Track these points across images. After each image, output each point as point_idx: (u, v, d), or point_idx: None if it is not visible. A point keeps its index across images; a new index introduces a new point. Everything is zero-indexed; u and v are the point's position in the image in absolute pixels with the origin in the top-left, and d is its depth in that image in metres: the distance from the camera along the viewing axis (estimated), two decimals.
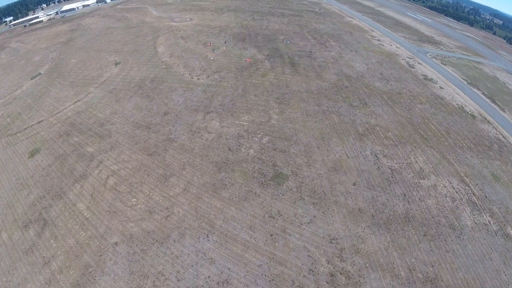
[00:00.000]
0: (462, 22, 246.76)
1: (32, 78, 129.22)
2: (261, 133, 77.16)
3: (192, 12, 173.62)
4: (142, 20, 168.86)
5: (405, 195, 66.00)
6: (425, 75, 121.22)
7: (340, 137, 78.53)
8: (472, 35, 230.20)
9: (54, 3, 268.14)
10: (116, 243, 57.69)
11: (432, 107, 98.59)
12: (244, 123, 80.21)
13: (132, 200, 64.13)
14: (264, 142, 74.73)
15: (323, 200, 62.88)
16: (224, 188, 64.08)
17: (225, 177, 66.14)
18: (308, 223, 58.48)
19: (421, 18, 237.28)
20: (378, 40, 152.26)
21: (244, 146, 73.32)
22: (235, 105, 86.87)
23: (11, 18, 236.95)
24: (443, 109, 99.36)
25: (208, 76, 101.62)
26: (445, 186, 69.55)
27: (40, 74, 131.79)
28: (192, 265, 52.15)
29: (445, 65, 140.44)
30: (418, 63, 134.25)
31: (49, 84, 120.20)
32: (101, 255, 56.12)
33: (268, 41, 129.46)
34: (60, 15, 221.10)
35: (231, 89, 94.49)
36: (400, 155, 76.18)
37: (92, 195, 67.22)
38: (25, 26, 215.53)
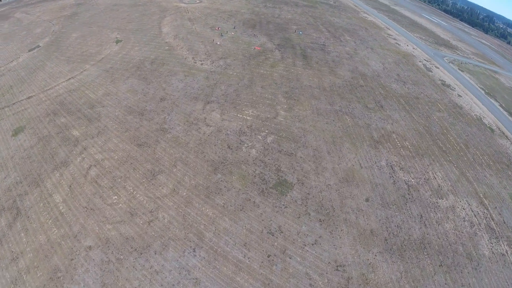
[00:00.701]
0: (476, 28, 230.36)
1: (30, 50, 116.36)
2: (266, 131, 65.12)
3: None
4: None
5: (421, 216, 55.02)
6: (443, 80, 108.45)
7: (354, 143, 66.60)
8: (487, 43, 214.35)
9: None
10: (89, 247, 46.78)
11: (450, 116, 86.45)
12: (248, 118, 68.05)
13: (113, 198, 52.92)
14: (268, 141, 62.79)
15: (331, 217, 51.62)
16: (218, 193, 52.62)
17: (221, 180, 54.58)
18: (312, 244, 47.34)
19: (437, 21, 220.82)
20: (394, 39, 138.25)
21: (245, 145, 61.44)
22: (239, 97, 74.49)
23: None
24: (461, 119, 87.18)
25: (213, 62, 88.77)
26: (463, 208, 58.50)
27: (38, 46, 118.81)
28: (173, 285, 41.34)
29: (462, 71, 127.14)
30: (436, 67, 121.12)
31: (46, 57, 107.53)
32: (72, 259, 45.34)
33: (279, 30, 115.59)
34: None
35: (236, 78, 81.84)
36: (417, 169, 64.66)
37: (70, 186, 56.07)
38: None
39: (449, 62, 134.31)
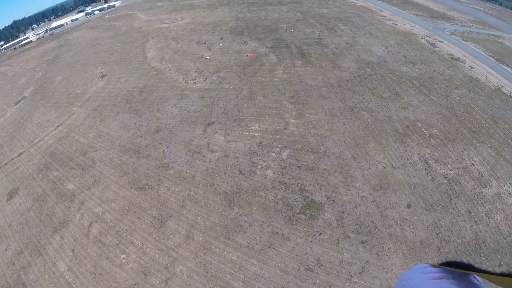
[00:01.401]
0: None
1: (16, 103, 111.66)
2: (279, 146, 57.27)
3: (182, 12, 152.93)
4: (130, 26, 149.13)
5: (470, 212, 46.52)
6: (450, 54, 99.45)
7: (379, 141, 58.22)
8: (480, 8, 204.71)
9: (44, 21, 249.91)
10: None
11: (469, 91, 77.38)
12: (256, 134, 60.34)
13: (121, 257, 45.52)
14: (284, 157, 54.89)
15: (374, 235, 43.27)
16: (239, 230, 44.74)
17: (239, 214, 46.71)
18: (359, 273, 39.03)
19: None
20: (390, 19, 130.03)
21: (259, 166, 53.63)
22: (242, 111, 66.93)
23: (2, 42, 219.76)
24: (481, 93, 78.08)
25: (206, 79, 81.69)
26: (509, 193, 49.82)
27: (24, 97, 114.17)
28: None
29: (466, 41, 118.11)
30: (439, 41, 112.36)
31: (33, 108, 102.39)
32: None
33: (269, 31, 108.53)
34: (49, 32, 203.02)
35: (234, 91, 74.47)
36: (453, 158, 55.89)
37: (73, 250, 49.08)
38: (15, 48, 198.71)
39: (451, 34, 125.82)
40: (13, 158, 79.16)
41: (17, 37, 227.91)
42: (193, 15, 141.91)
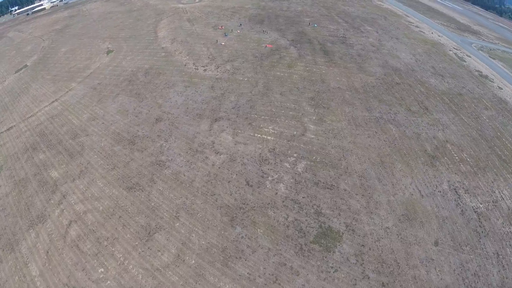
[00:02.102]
0: (490, 11, 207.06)
1: (16, 71, 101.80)
2: (295, 155, 47.50)
3: None
4: (146, 2, 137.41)
5: (498, 254, 38.93)
6: (479, 71, 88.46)
7: (406, 162, 48.51)
8: (505, 26, 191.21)
9: None
10: None
11: (499, 114, 66.94)
12: (269, 138, 50.47)
13: (99, 271, 36.84)
14: (299, 170, 45.22)
15: (396, 276, 34.47)
16: (240, 257, 35.60)
17: (242, 236, 37.50)
18: None
19: (451, 6, 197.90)
20: (417, 26, 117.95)
21: (270, 178, 44.07)
22: (255, 109, 56.87)
23: (16, 7, 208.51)
24: (510, 117, 68.07)
25: (218, 67, 71.27)
26: None
27: (26, 66, 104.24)
28: None
29: (494, 59, 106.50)
30: (467, 55, 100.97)
31: (32, 78, 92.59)
32: None
33: (291, 23, 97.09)
34: (63, 1, 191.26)
35: (248, 84, 64.18)
36: (483, 189, 46.86)
37: (48, 252, 40.58)
38: (27, 14, 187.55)
39: (478, 50, 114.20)
40: (1, 132, 69.98)
41: (32, 3, 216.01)
42: None
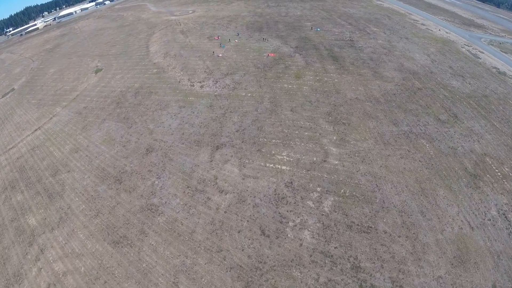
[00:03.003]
0: (487, 3, 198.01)
1: (3, 96, 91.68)
2: (318, 189, 36.65)
3: (195, 5, 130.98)
4: (138, 17, 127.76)
5: None
6: (496, 67, 78.17)
7: (448, 186, 37.99)
8: (505, 17, 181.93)
9: (55, 10, 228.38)
10: None
11: None
12: (284, 168, 39.62)
13: None
14: (326, 209, 34.35)
15: None
16: None
17: None
18: None
19: (449, 0, 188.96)
20: (423, 24, 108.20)
21: (291, 224, 33.16)
22: (263, 131, 46.11)
23: (11, 28, 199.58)
24: None
25: (216, 82, 60.72)
26: None
27: (13, 90, 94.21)
28: None
29: (505, 53, 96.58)
30: (480, 51, 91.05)
31: (17, 103, 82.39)
32: None
33: (292, 29, 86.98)
34: (57, 20, 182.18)
35: (252, 100, 53.57)
36: None
37: None
38: (21, 35, 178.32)
39: (488, 44, 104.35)
40: None
41: (27, 23, 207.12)
42: (206, 8, 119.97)
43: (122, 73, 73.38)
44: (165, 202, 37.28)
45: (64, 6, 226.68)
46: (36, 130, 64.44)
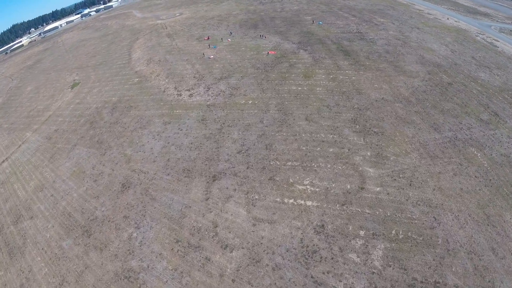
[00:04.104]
0: None
1: None
2: (361, 233, 24.59)
3: (182, 7, 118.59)
4: (122, 24, 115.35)
5: None
6: None
7: None
8: (505, 5, 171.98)
9: (42, 25, 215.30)
10: None
11: None
12: (309, 203, 27.45)
13: None
14: (377, 264, 22.33)
15: None
16: None
17: None
18: None
19: None
20: (429, 13, 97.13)
21: None
22: (273, 149, 33.95)
23: None
24: None
25: (209, 88, 48.45)
26: None
27: None
28: None
29: None
30: (495, 40, 79.95)
31: None
32: None
33: (291, 24, 75.08)
34: (42, 35, 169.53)
35: (255, 109, 41.40)
36: None
37: None
38: (6, 53, 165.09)
39: (499, 32, 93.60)
40: None
41: (13, 41, 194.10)
42: (194, 10, 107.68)
43: (100, 86, 61.13)
44: (148, 266, 25.09)
45: (50, 21, 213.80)
46: (3, 161, 52.07)
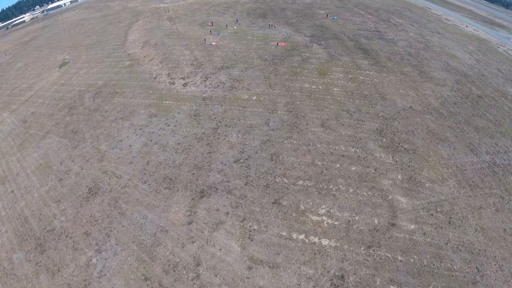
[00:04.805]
0: (496, 4, 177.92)
1: None
2: None
3: None
4: (124, 6, 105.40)
5: None
6: None
7: None
8: None
9: (46, 3, 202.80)
10: None
11: None
12: (325, 243, 19.61)
13: None
14: None
15: None
16: None
17: None
18: None
19: None
20: (447, 19, 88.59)
21: None
22: (281, 161, 26.00)
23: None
24: None
25: (207, 78, 39.95)
26: None
27: None
28: None
29: None
30: None
31: None
32: None
33: (303, 16, 66.28)
34: (44, 13, 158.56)
35: (260, 107, 33.20)
36: None
37: None
38: (7, 28, 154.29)
39: None
40: None
41: (16, 17, 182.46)
42: None
43: (88, 67, 52.50)
44: None
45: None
46: None
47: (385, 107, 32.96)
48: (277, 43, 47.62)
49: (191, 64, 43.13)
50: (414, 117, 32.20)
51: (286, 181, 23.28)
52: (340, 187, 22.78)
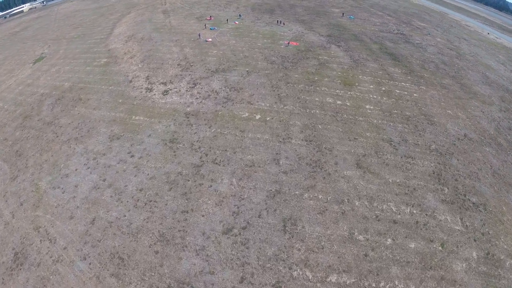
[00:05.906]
0: (504, 12, 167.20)
1: None
2: None
3: None
4: None
5: None
6: None
7: None
8: None
9: None
10: None
11: None
12: None
13: None
14: None
15: None
16: None
17: None
18: None
19: (472, 5, 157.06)
20: (467, 25, 77.99)
21: None
22: (298, 234, 15.70)
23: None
24: None
25: (194, 85, 29.03)
26: None
27: None
28: None
29: None
30: None
31: None
32: None
33: (315, 14, 55.17)
34: (44, 4, 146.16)
35: (266, 132, 22.49)
36: None
37: None
38: (5, 18, 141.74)
39: None
40: None
41: (16, 6, 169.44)
42: None
43: (62, 64, 41.63)
44: None
45: None
46: None
47: (436, 135, 22.54)
48: (288, 42, 36.77)
49: (178, 64, 32.24)
50: (473, 150, 21.90)
51: (310, 275, 12.93)
52: (396, 283, 12.46)
